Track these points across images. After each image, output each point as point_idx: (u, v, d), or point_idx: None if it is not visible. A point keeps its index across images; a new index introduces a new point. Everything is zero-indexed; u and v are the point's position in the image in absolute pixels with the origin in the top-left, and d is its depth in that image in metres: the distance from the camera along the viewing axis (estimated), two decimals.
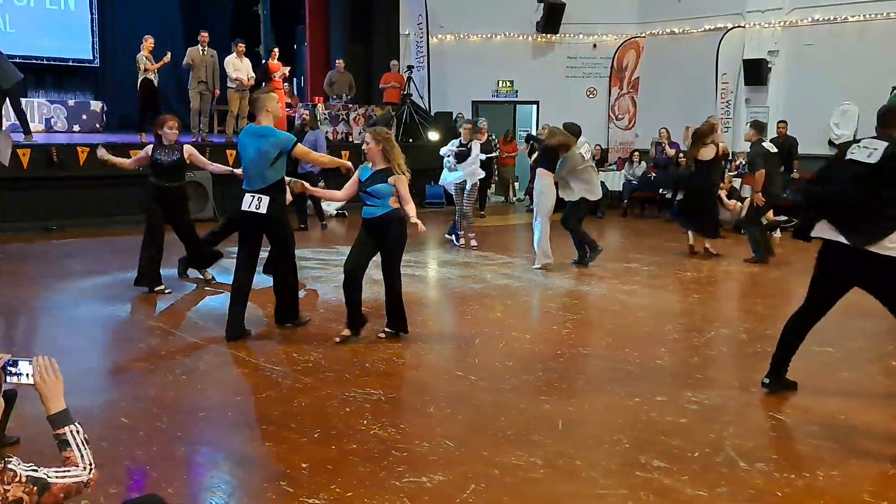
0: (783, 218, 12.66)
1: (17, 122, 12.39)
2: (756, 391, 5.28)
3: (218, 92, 13.94)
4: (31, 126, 13.12)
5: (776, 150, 10.28)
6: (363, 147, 6.36)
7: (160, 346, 6.15)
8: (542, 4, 17.75)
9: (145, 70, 12.89)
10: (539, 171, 9.51)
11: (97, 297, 7.80)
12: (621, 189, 16.01)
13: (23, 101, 14.55)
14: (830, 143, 14.61)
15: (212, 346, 6.14)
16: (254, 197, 6.14)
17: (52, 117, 16.36)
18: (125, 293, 7.88)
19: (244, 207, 6.17)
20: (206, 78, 13.57)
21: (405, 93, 16.89)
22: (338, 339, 6.21)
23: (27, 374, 2.59)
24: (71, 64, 18.15)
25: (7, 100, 12.05)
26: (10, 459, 2.34)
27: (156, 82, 13.11)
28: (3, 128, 12.08)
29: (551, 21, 17.80)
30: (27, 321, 6.99)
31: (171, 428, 4.50)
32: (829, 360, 6.06)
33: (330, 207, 13.65)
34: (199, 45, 13.59)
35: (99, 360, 5.85)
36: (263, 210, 6.11)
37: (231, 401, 4.97)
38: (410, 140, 16.37)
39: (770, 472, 4.01)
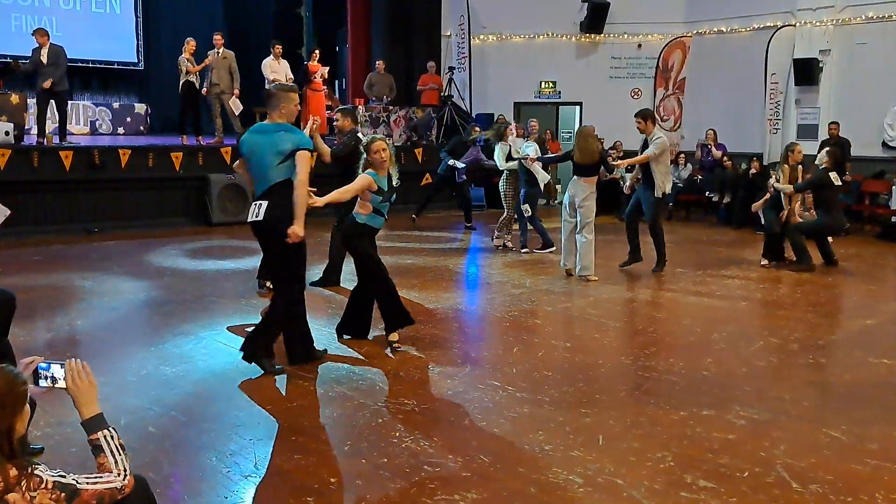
0: None
1: (58, 125, 12.47)
2: (808, 405, 5.03)
3: (237, 91, 13.41)
4: (77, 128, 13.24)
5: (840, 184, 10.06)
6: (377, 154, 5.89)
7: (192, 351, 6.06)
8: (585, 4, 17.49)
9: (187, 72, 12.92)
10: (581, 179, 8.87)
11: (133, 299, 7.76)
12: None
13: (69, 103, 14.74)
14: (884, 144, 14.19)
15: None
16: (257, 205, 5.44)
17: (97, 119, 16.56)
18: (160, 296, 7.84)
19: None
20: (218, 80, 13.21)
21: (446, 94, 16.74)
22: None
23: (59, 378, 2.55)
24: (116, 67, 18.35)
25: (53, 101, 12.17)
26: (37, 465, 2.30)
27: (197, 85, 13.13)
28: (48, 131, 12.19)
29: (595, 21, 17.53)
30: (61, 324, 6.94)
31: (198, 437, 4.39)
32: (887, 372, 5.77)
33: None
34: (215, 48, 13.29)
35: (130, 364, 5.75)
36: (261, 216, 5.37)
37: (261, 410, 4.84)
38: None
39: (825, 495, 3.77)
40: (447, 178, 13.00)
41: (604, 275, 9.12)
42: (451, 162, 12.69)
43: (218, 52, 13.30)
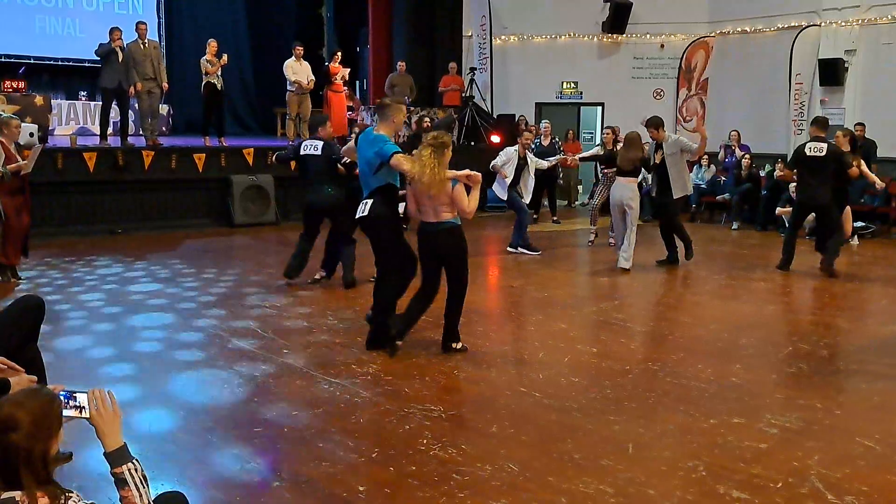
0: (860, 224, 12.14)
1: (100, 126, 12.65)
2: (841, 414, 4.95)
3: (166, 86, 12.94)
4: (98, 129, 13.31)
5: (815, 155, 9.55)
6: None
7: (218, 354, 6.05)
8: (607, 4, 17.40)
9: (207, 73, 12.92)
10: (625, 179, 9.60)
11: (155, 302, 7.76)
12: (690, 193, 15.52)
13: (91, 104, 14.82)
14: None
15: (269, 356, 6.01)
16: (363, 203, 6.13)
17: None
18: (185, 298, 7.85)
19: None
20: (152, 74, 12.50)
21: (467, 95, 16.69)
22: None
23: (83, 408, 2.49)
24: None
25: (116, 100, 12.40)
26: (70, 496, 2.25)
27: (219, 86, 13.10)
28: (72, 132, 12.30)
29: (617, 21, 17.44)
30: (86, 328, 6.96)
31: (223, 444, 4.37)
32: None
33: None
34: (139, 38, 12.47)
35: (156, 369, 5.76)
36: (366, 212, 6.07)
37: (287, 415, 4.82)
38: (472, 143, 16.18)
39: None
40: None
41: (629, 279, 9.06)
42: None
43: (144, 43, 12.54)
